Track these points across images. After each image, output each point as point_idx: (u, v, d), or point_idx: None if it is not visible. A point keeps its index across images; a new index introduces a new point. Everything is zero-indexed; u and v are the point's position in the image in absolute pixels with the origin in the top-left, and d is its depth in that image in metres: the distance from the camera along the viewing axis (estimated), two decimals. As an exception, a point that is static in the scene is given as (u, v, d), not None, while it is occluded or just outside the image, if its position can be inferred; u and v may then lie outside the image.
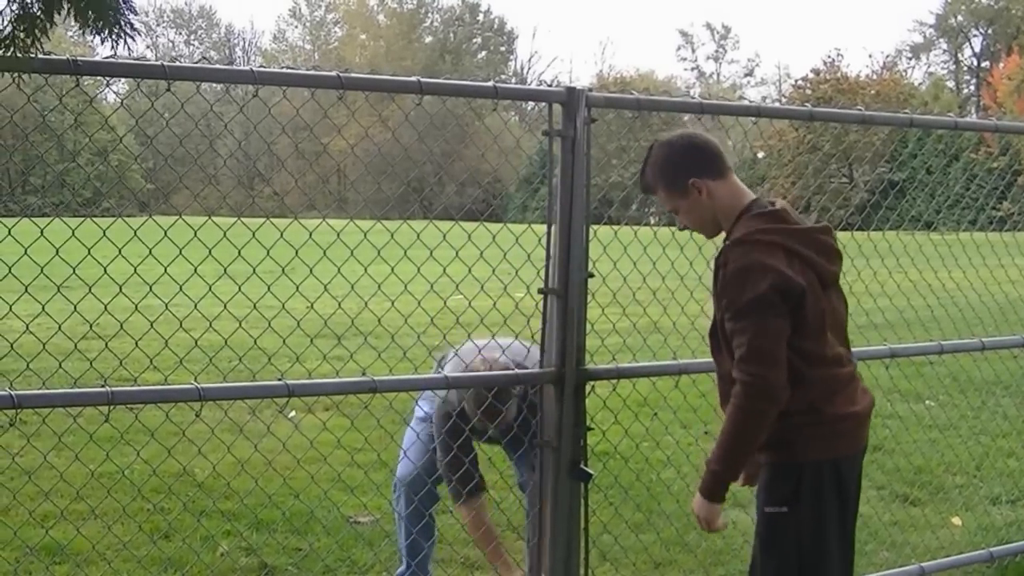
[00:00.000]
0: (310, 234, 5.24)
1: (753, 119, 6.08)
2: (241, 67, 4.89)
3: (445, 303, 6.36)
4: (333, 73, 4.88)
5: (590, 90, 5.43)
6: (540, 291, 5.50)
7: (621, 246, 6.05)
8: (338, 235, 5.23)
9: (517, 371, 5.77)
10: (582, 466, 5.46)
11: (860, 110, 6.54)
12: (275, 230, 5.11)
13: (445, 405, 6.31)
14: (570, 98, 5.35)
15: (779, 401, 4.52)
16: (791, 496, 4.73)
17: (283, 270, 4.96)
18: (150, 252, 4.68)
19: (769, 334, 4.49)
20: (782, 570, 4.84)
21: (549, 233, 5.51)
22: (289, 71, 5.13)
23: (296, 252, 5.04)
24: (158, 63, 4.55)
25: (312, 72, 5.01)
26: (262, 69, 4.86)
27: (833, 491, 4.77)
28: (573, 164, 5.34)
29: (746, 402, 4.52)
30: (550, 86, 5.50)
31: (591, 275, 5.49)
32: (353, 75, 4.92)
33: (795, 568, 4.80)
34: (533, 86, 6.66)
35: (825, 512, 4.76)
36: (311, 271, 5.09)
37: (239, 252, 4.85)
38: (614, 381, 5.80)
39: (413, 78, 5.08)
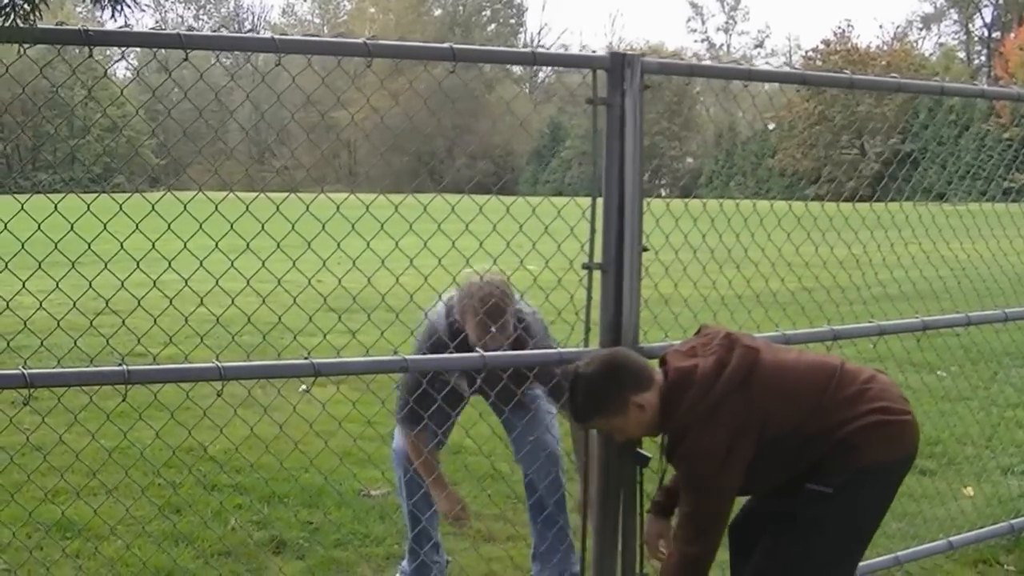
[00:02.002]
0: (337, 207, 5.11)
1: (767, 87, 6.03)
2: (262, 35, 4.64)
3: (454, 279, 6.32)
4: (360, 40, 4.66)
5: (643, 55, 5.21)
6: (584, 266, 5.28)
7: (653, 218, 5.88)
8: (367, 207, 5.10)
9: (560, 350, 5.53)
10: (638, 449, 5.23)
11: (896, 77, 6.49)
12: (286, 205, 5.03)
13: (430, 328, 6.19)
14: (614, 64, 5.10)
15: None
16: (840, 485, 4.72)
17: (308, 244, 4.88)
18: (169, 227, 4.62)
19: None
20: (811, 552, 4.83)
21: (593, 206, 5.27)
22: (314, 38, 4.78)
23: (323, 226, 4.93)
24: (175, 32, 4.38)
25: (338, 39, 4.76)
26: (284, 37, 4.55)
27: (882, 494, 4.89)
28: (622, 133, 5.12)
29: None
30: (594, 52, 5.28)
31: (646, 249, 5.30)
32: (381, 42, 4.72)
33: (823, 551, 4.81)
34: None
35: (878, 508, 4.89)
36: (338, 245, 4.98)
37: (263, 226, 4.73)
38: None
39: (446, 45, 4.89)
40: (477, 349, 5.51)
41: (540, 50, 5.13)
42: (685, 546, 4.76)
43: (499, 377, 5.77)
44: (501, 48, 5.28)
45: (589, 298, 5.41)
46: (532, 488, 6.60)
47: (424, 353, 6.03)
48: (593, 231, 5.28)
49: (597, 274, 5.27)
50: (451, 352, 5.67)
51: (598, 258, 5.26)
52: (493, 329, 5.91)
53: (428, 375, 5.80)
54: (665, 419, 4.76)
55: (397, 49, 4.92)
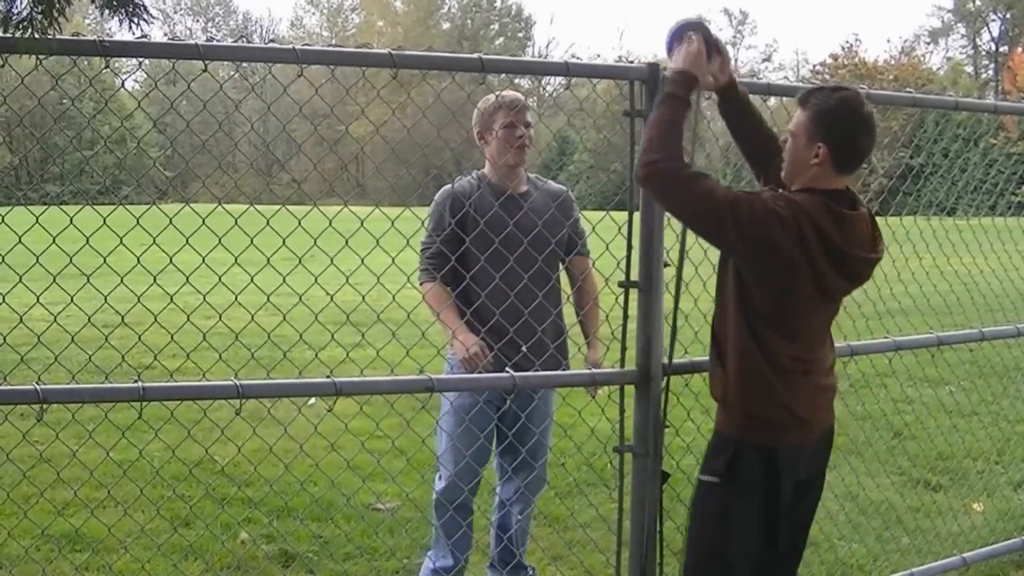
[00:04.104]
0: (361, 222, 5.07)
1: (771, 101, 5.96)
2: (284, 46, 4.56)
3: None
4: (385, 51, 4.62)
5: (665, 69, 5.06)
6: (620, 285, 5.26)
7: (673, 233, 5.80)
8: (392, 223, 5.07)
9: (593, 371, 5.57)
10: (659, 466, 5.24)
11: (910, 92, 6.49)
12: (297, 218, 5.00)
13: (453, 197, 6.22)
14: (651, 75, 5.06)
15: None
16: (724, 469, 4.76)
17: (332, 260, 4.86)
18: (187, 241, 4.61)
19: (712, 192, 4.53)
20: (700, 541, 4.89)
21: (630, 223, 5.18)
22: (338, 49, 4.73)
23: (347, 241, 4.88)
24: (192, 43, 4.38)
25: (362, 51, 4.68)
26: (306, 47, 4.52)
27: (764, 478, 4.76)
28: None
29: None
30: (630, 62, 5.19)
31: (666, 264, 5.23)
32: (407, 52, 4.68)
33: (711, 541, 4.83)
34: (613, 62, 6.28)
35: (752, 496, 4.77)
36: (363, 261, 4.89)
37: (283, 241, 4.67)
38: (686, 376, 5.54)
39: (475, 55, 4.82)
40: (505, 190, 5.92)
41: (573, 61, 5.05)
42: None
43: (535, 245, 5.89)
44: (535, 59, 5.19)
45: (626, 316, 5.34)
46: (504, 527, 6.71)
47: (445, 222, 6.11)
48: (629, 248, 5.22)
49: (633, 292, 5.21)
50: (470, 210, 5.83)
51: (635, 275, 5.20)
52: (521, 127, 6.06)
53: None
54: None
55: (422, 60, 4.86)
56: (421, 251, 6.31)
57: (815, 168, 4.68)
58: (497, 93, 6.19)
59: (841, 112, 4.65)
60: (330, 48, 4.76)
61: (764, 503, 4.78)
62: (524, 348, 5.95)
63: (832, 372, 5.03)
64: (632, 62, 5.11)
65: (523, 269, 5.73)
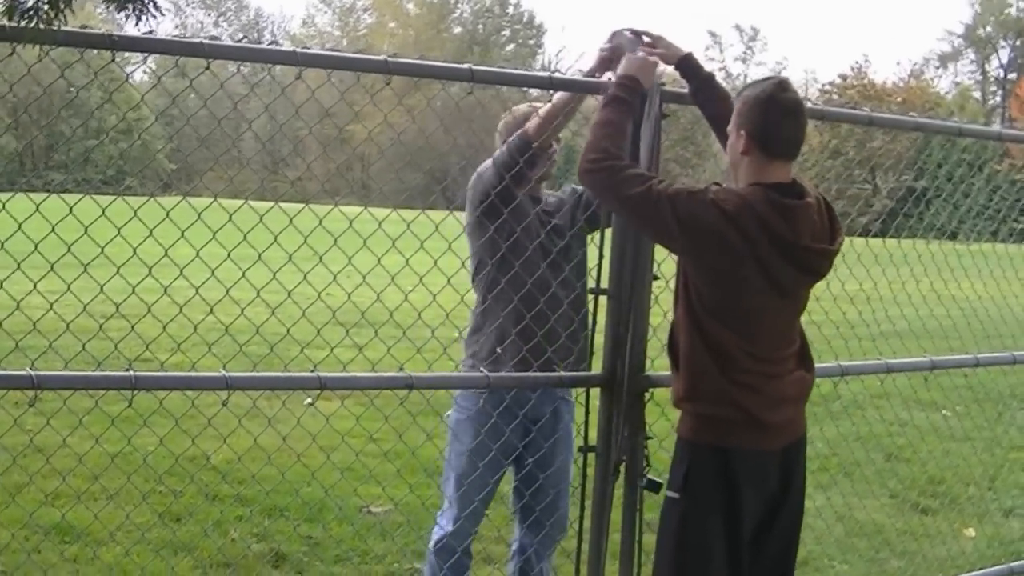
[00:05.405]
0: (351, 223, 5.06)
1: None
2: (284, 47, 4.60)
3: (463, 298, 6.28)
4: (381, 57, 4.68)
5: (663, 84, 5.20)
6: (591, 291, 5.32)
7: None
8: (380, 224, 5.10)
9: (562, 374, 5.49)
10: (649, 476, 5.17)
11: (914, 116, 6.49)
12: (298, 216, 5.01)
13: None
14: None
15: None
16: (683, 481, 4.70)
17: (320, 258, 4.87)
18: (182, 234, 4.58)
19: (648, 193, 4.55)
20: (661, 561, 4.83)
21: (603, 232, 5.35)
22: (334, 53, 4.82)
23: (335, 240, 4.90)
24: (197, 41, 4.37)
25: (358, 56, 4.75)
26: (306, 51, 4.57)
27: (723, 488, 4.68)
28: (636, 160, 5.03)
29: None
30: (610, 79, 5.24)
31: (656, 277, 5.23)
32: (401, 60, 4.74)
33: (670, 564, 4.77)
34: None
35: (707, 508, 4.69)
36: (349, 260, 4.91)
37: (275, 238, 4.69)
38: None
39: (464, 65, 4.88)
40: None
41: (557, 75, 5.15)
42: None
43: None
44: (519, 71, 5.21)
45: (594, 323, 5.39)
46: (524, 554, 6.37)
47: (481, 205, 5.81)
48: (601, 256, 5.28)
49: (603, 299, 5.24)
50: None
51: (605, 283, 5.23)
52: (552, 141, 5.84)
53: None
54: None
55: (416, 68, 4.91)
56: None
57: (747, 159, 4.70)
58: (530, 103, 6.02)
59: (758, 97, 4.69)
60: (327, 52, 4.80)
61: (725, 519, 4.70)
62: (550, 351, 5.80)
63: (804, 382, 4.91)
64: (611, 78, 5.16)
65: (553, 276, 5.67)
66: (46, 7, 3.94)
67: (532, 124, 5.66)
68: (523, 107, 6.06)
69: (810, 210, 4.71)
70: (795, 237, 4.59)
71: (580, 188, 5.93)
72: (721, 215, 4.48)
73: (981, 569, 7.55)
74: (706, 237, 4.52)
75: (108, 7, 4.19)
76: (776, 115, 4.68)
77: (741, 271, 4.56)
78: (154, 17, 4.13)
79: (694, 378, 4.72)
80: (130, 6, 4.08)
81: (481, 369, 5.58)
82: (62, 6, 3.97)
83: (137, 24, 4.08)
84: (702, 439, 4.71)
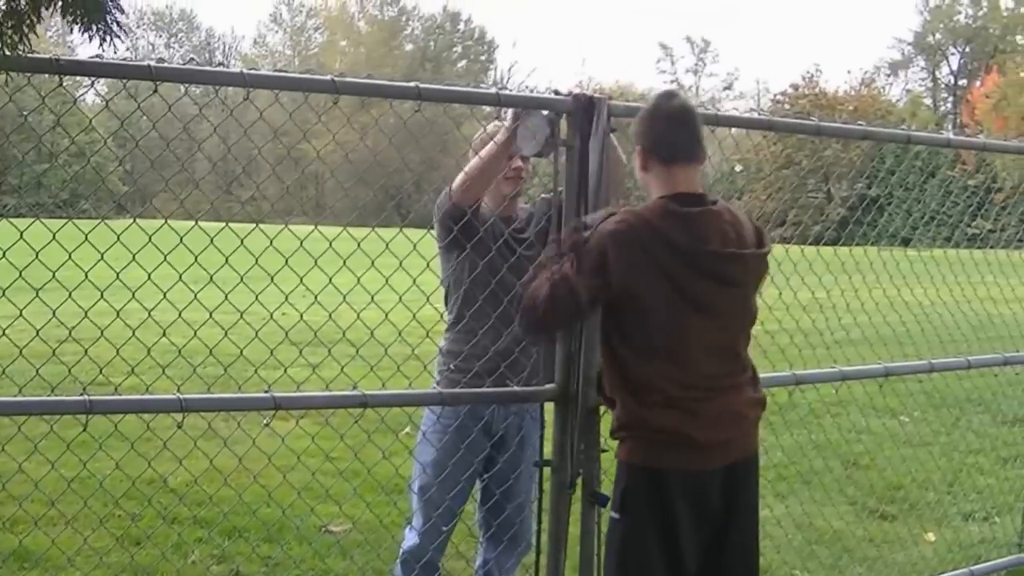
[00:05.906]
0: (300, 242, 5.10)
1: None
2: (231, 69, 4.68)
3: (414, 315, 6.27)
4: (328, 77, 4.68)
5: (610, 99, 5.19)
6: None
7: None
8: (330, 243, 5.11)
9: (516, 389, 5.49)
10: (597, 491, 5.18)
11: (862, 125, 6.52)
12: (250, 237, 5.00)
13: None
14: (576, 107, 5.10)
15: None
16: (621, 501, 4.71)
17: (272, 278, 4.85)
18: (133, 258, 4.56)
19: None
20: None
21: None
22: (281, 74, 4.82)
23: (286, 260, 4.90)
24: (145, 63, 4.36)
25: (305, 76, 4.72)
26: (252, 72, 4.63)
27: (654, 503, 4.66)
28: (584, 175, 5.09)
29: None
30: (557, 94, 5.29)
31: None
32: (348, 79, 4.76)
33: None
34: (539, 93, 6.17)
35: (644, 527, 4.67)
36: (301, 280, 4.95)
37: (226, 259, 4.69)
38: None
39: (411, 83, 4.89)
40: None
41: (504, 91, 5.15)
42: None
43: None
44: (466, 88, 5.18)
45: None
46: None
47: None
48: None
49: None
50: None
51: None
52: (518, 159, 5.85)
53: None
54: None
55: (363, 87, 4.94)
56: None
57: (650, 175, 4.75)
58: (502, 121, 5.79)
59: (645, 111, 4.80)
60: (275, 73, 4.89)
61: (662, 538, 4.66)
62: (503, 366, 5.76)
63: (749, 400, 4.87)
64: (559, 93, 5.19)
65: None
66: (10, 32, 3.91)
67: (456, 183, 5.69)
68: (493, 125, 5.92)
69: (714, 216, 4.68)
70: (701, 244, 4.57)
71: (549, 196, 5.90)
72: (612, 242, 4.51)
73: (942, 573, 7.60)
74: (616, 270, 4.52)
75: (72, 29, 4.16)
76: (662, 123, 4.73)
77: (654, 290, 4.54)
78: (118, 38, 4.11)
79: (621, 412, 4.73)
80: (94, 27, 4.05)
81: (434, 385, 5.59)
82: (26, 30, 3.94)
83: (101, 46, 4.06)
84: (636, 460, 4.70)
